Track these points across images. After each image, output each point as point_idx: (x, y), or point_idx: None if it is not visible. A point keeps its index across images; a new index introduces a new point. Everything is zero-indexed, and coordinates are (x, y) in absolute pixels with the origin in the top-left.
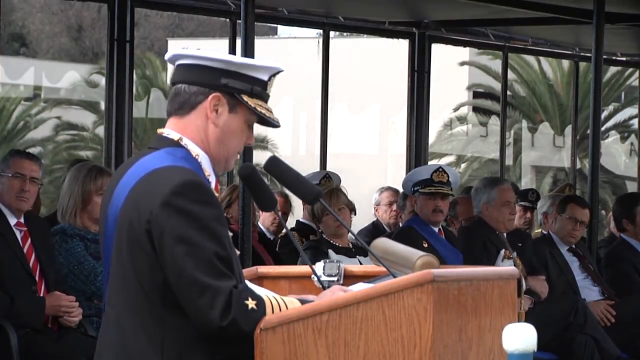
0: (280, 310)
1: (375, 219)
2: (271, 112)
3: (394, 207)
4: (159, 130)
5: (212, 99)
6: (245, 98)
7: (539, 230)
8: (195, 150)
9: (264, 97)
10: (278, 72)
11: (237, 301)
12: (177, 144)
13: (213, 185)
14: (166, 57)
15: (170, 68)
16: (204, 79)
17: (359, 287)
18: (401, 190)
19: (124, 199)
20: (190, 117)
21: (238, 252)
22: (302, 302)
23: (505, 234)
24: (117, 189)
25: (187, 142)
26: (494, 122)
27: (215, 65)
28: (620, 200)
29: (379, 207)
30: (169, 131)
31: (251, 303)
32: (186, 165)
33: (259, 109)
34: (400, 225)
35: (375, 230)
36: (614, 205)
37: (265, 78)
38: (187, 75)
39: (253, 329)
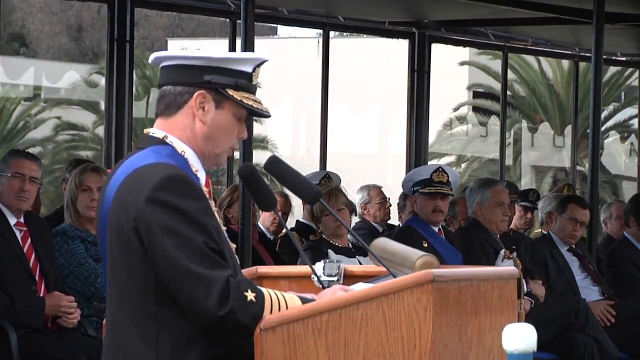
0: (279, 306)
1: (359, 219)
2: (259, 102)
3: (386, 204)
4: (146, 130)
5: (197, 97)
6: (231, 92)
7: (539, 230)
8: (180, 147)
9: (251, 89)
10: (262, 63)
11: (235, 291)
12: (162, 141)
13: (203, 181)
14: (150, 60)
15: None
16: (187, 78)
17: (359, 287)
18: (400, 190)
19: (112, 199)
20: (177, 117)
21: (234, 246)
22: (302, 299)
23: (498, 236)
24: (107, 189)
25: (172, 139)
26: (494, 122)
27: (196, 63)
28: (634, 199)
29: (368, 205)
30: (155, 130)
31: (250, 295)
32: (171, 161)
33: (245, 101)
34: (400, 224)
35: (368, 228)
36: (628, 203)
37: (249, 70)
38: (171, 76)
39: (251, 322)
